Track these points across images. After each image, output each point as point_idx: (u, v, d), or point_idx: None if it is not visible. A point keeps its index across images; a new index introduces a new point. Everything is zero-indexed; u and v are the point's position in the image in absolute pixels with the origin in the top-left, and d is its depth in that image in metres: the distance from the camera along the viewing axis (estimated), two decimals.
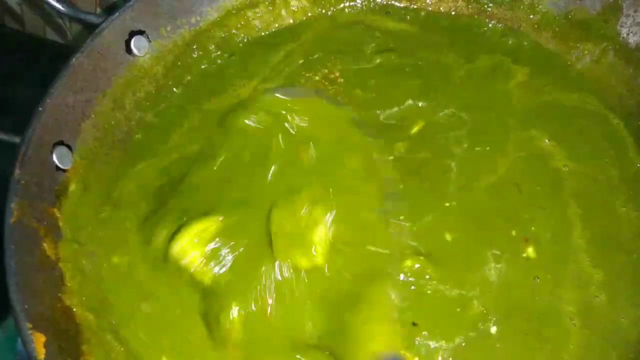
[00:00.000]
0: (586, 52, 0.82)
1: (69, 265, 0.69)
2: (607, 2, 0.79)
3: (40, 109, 0.70)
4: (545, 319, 0.65)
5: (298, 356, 0.63)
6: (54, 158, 0.71)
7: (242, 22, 0.88)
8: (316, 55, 0.86)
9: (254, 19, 0.88)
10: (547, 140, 0.75)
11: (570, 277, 0.67)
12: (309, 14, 0.90)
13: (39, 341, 0.59)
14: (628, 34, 0.79)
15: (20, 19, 1.33)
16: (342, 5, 0.90)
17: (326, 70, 0.84)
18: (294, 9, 0.89)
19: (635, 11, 0.78)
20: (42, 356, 0.58)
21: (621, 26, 0.79)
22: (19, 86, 1.22)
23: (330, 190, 0.69)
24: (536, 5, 0.85)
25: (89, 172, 0.75)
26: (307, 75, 0.84)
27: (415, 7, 0.90)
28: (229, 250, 0.67)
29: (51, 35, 1.31)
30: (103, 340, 0.66)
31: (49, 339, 0.60)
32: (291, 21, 0.89)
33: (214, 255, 0.66)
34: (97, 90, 0.76)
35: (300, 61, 0.85)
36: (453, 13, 0.89)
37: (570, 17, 0.83)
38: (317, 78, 0.83)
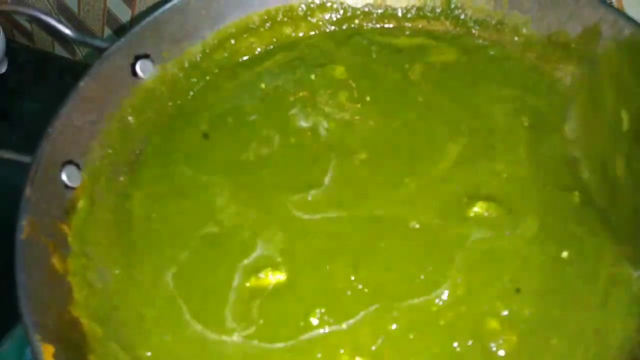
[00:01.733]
0: (568, 72, 0.85)
1: (77, 278, 0.73)
2: (587, 26, 0.82)
3: (50, 130, 0.74)
4: None
5: None
6: (63, 177, 0.75)
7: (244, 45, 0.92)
8: None
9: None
10: None
11: None
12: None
13: (48, 352, 0.62)
14: None
15: (30, 35, 1.37)
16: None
17: None
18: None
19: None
20: None
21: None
22: (28, 101, 1.26)
23: None
24: (520, 28, 0.89)
25: (96, 189, 0.79)
26: None
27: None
28: None
29: (60, 51, 1.35)
30: (109, 350, 0.70)
31: (58, 349, 0.63)
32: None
33: None
34: (104, 112, 0.80)
35: None
36: None
37: (553, 39, 0.86)
38: None
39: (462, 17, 0.92)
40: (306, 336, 0.67)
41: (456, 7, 0.91)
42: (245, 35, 0.91)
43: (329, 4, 0.94)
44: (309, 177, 0.79)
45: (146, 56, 0.84)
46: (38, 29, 1.35)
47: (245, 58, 0.92)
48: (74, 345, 0.67)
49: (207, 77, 0.90)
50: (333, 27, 0.94)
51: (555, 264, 0.69)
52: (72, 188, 0.76)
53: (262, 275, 0.71)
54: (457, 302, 0.67)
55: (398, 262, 0.71)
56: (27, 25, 1.36)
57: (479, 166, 0.77)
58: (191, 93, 0.89)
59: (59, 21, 0.87)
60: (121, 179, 0.82)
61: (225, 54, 0.91)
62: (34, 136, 0.74)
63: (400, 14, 0.94)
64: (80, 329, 0.70)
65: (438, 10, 0.92)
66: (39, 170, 0.72)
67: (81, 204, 0.77)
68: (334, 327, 0.67)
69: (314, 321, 0.67)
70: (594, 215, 0.72)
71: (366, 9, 0.94)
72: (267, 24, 0.93)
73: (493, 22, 0.90)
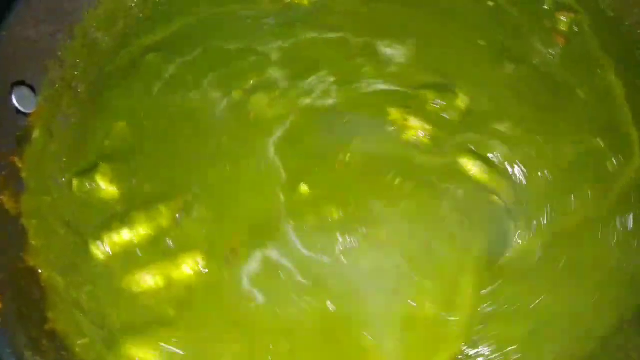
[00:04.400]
0: None
1: (34, 222, 0.61)
2: None
3: None
4: None
5: None
6: (14, 99, 0.62)
7: None
8: None
9: None
10: None
11: None
12: None
13: None
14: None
15: None
16: None
17: None
18: None
19: None
20: None
21: None
22: None
23: None
24: None
25: (55, 118, 0.66)
26: None
27: None
28: None
29: None
30: (72, 306, 0.59)
31: (7, 304, 0.52)
32: None
33: None
34: (64, 22, 0.67)
35: None
36: None
37: None
38: None
39: None
40: None
41: None
42: None
43: None
44: None
45: None
46: None
47: None
48: (28, 299, 0.56)
49: None
50: None
51: None
52: (26, 114, 0.63)
53: None
54: None
55: None
56: None
57: None
58: None
59: None
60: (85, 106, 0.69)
61: None
62: None
63: None
64: (37, 280, 0.58)
65: None
66: None
67: (37, 134, 0.64)
68: None
69: None
70: None
71: None
72: None
73: None
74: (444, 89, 0.67)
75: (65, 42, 0.68)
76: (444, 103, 0.66)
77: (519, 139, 0.65)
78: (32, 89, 0.64)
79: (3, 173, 0.60)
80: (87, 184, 0.64)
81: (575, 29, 0.73)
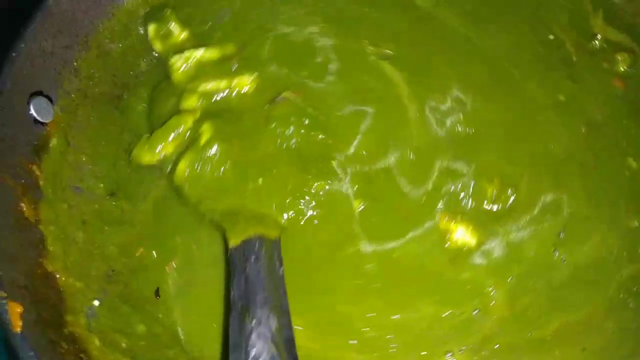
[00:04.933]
0: None
1: (51, 228, 0.63)
2: None
3: (13, 54, 0.62)
4: None
5: None
6: (32, 110, 0.64)
7: None
8: None
9: None
10: None
11: None
12: None
13: (14, 312, 0.52)
14: None
15: None
16: None
17: None
18: None
19: None
20: (19, 329, 0.52)
21: None
22: None
23: None
24: None
25: (72, 126, 0.68)
26: None
27: None
28: None
29: None
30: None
31: (27, 308, 0.54)
32: None
33: None
34: (78, 35, 0.69)
35: None
36: None
37: None
38: None
39: None
40: None
41: None
42: None
43: None
44: None
45: None
46: None
47: None
48: (47, 304, 0.58)
49: None
50: None
51: None
52: (43, 124, 0.65)
53: None
54: None
55: None
56: None
57: None
58: None
59: None
60: (101, 115, 0.71)
61: None
62: None
63: None
64: (55, 285, 0.60)
65: None
66: (1, 101, 0.60)
67: (54, 142, 0.66)
68: None
69: None
70: None
71: None
72: None
73: None
74: None
75: (81, 53, 0.69)
76: None
77: None
78: (50, 99, 0.66)
79: (22, 181, 0.61)
80: None
81: None
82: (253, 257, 0.59)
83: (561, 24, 0.73)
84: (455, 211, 0.63)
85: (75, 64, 0.69)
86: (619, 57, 0.70)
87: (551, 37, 0.72)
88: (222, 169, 0.64)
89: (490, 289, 0.61)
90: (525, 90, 0.69)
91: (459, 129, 0.66)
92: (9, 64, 0.62)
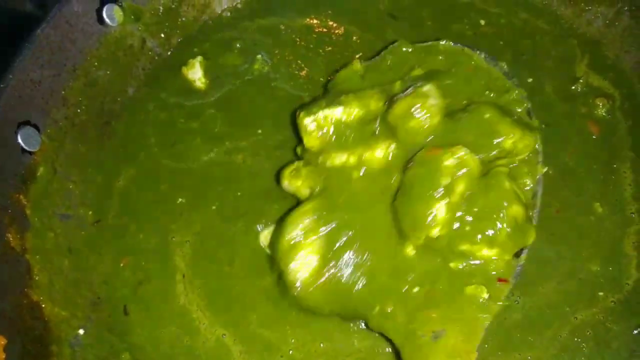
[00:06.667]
0: (599, 14, 0.76)
1: (37, 257, 0.64)
2: None
3: (1, 85, 0.63)
4: None
5: None
6: (19, 139, 0.65)
7: None
8: None
9: None
10: None
11: None
12: None
13: None
14: None
15: None
16: None
17: None
18: None
19: None
20: None
21: None
22: None
23: None
24: None
25: (59, 154, 0.69)
26: None
27: None
28: None
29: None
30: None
31: (12, 340, 0.55)
32: None
33: None
34: (66, 64, 0.69)
35: None
36: None
37: None
38: None
39: None
40: None
41: None
42: None
43: None
44: None
45: (114, 0, 0.72)
46: None
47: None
48: (32, 334, 0.58)
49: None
50: None
51: None
52: (30, 153, 0.66)
53: None
54: None
55: None
56: None
57: None
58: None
59: None
60: (89, 143, 0.72)
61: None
62: None
63: None
64: (41, 315, 0.61)
65: None
66: None
67: (41, 171, 0.67)
68: None
69: None
70: None
71: None
72: None
73: None
74: None
75: (69, 82, 0.70)
76: None
77: None
78: (37, 128, 0.67)
79: (9, 211, 0.62)
80: None
81: None
82: None
83: (547, 68, 0.74)
84: None
85: (63, 92, 0.70)
86: (598, 102, 0.72)
87: (530, 80, 0.73)
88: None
89: None
90: None
91: None
92: None
